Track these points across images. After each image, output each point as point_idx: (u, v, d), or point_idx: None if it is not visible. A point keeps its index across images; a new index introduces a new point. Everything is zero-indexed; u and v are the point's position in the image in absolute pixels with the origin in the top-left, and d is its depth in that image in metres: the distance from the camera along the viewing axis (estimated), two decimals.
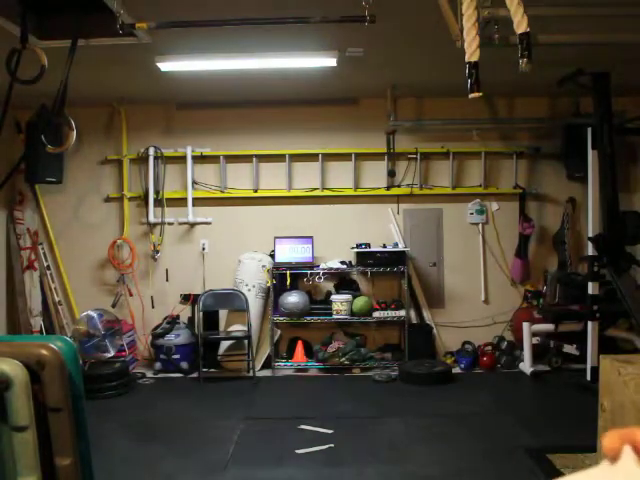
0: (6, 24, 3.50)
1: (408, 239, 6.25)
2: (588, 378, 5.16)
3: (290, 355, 6.05)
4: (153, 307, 6.28)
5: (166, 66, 4.65)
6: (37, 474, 1.49)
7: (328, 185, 6.29)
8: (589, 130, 5.24)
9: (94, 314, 5.71)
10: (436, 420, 4.46)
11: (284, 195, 6.26)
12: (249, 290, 5.91)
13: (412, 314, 6.17)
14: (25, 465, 1.48)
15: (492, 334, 6.18)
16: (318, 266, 6.00)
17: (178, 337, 5.88)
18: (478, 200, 6.27)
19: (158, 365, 5.90)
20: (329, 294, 6.08)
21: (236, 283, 6.02)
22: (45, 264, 6.22)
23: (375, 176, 6.26)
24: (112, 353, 5.60)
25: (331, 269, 6.00)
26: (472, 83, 2.27)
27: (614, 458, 0.53)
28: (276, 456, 3.82)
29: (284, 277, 5.99)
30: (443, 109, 6.13)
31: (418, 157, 6.20)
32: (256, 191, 6.29)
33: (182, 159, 6.26)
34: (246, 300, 5.79)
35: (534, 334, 5.65)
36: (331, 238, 6.22)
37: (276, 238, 6.09)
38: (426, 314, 6.20)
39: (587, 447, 3.04)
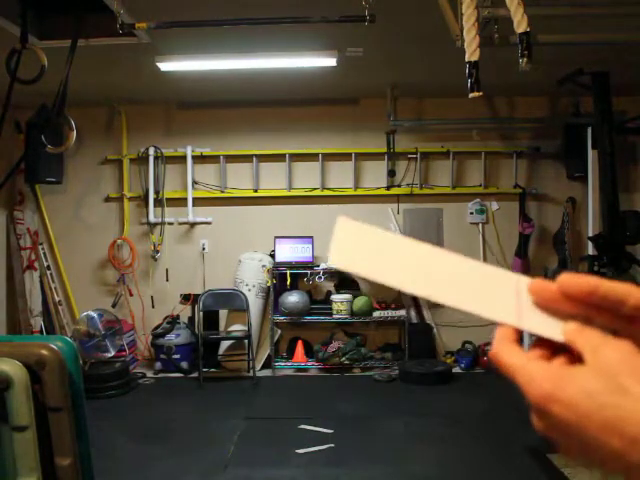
0: (6, 24, 3.50)
1: None
2: None
3: (290, 355, 6.05)
4: (153, 307, 6.28)
5: (166, 66, 4.65)
6: (37, 474, 1.49)
7: (328, 185, 6.29)
8: (589, 130, 5.23)
9: (94, 314, 5.71)
10: (436, 420, 4.46)
11: (284, 195, 6.26)
12: (249, 290, 5.91)
13: (412, 314, 6.16)
14: (25, 465, 1.48)
15: (492, 334, 6.16)
16: (318, 266, 5.99)
17: (178, 337, 5.88)
18: (478, 200, 6.27)
19: (158, 365, 5.90)
20: (329, 294, 6.08)
21: (236, 283, 6.01)
22: (45, 264, 6.22)
23: (375, 176, 6.26)
24: (112, 353, 5.60)
25: (331, 269, 6.00)
26: (472, 83, 2.27)
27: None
28: (276, 456, 3.82)
29: (284, 277, 5.98)
30: (443, 109, 6.12)
31: (418, 157, 6.19)
32: (256, 191, 6.29)
33: (182, 159, 6.26)
34: (246, 300, 5.79)
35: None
36: (331, 238, 6.19)
37: (276, 238, 6.08)
38: (426, 314, 6.20)
39: None
